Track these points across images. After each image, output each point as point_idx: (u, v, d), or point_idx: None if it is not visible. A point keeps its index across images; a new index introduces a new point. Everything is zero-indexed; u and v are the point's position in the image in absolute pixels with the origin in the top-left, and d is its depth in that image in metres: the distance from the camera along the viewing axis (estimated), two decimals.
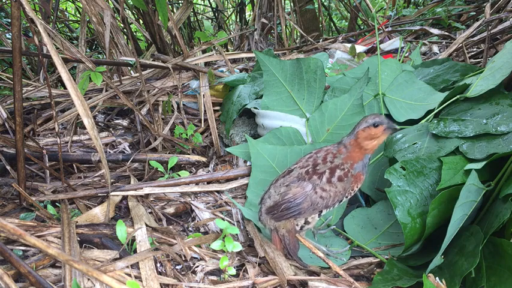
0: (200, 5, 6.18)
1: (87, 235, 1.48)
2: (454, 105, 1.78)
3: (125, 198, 1.82)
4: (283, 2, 4.20)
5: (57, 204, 1.77)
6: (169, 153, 2.34)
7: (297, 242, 1.46)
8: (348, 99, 1.96)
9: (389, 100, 2.05)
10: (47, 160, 2.06)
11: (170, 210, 1.78)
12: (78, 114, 2.37)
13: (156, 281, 1.26)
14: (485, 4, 3.48)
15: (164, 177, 2.03)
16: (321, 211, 1.41)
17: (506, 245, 1.20)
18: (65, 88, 2.24)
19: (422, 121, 1.82)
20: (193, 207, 1.79)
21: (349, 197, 1.44)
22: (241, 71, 3.14)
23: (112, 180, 2.05)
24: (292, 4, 4.91)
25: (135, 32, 5.35)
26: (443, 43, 3.42)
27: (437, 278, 1.19)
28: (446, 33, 3.46)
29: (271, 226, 1.44)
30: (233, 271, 1.38)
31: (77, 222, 1.55)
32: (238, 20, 5.29)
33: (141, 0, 2.69)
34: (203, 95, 2.58)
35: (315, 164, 1.40)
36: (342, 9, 6.41)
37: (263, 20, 4.28)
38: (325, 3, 5.83)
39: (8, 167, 1.97)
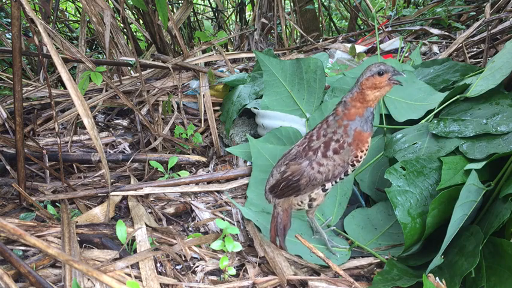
0: (200, 5, 6.18)
1: (87, 235, 1.48)
2: (454, 105, 1.78)
3: (125, 198, 1.82)
4: (283, 2, 4.20)
5: (57, 204, 1.77)
6: (169, 153, 2.34)
7: (288, 222, 1.47)
8: None
9: (389, 100, 2.04)
10: (47, 160, 2.06)
11: (170, 210, 1.78)
12: (78, 114, 2.37)
13: (156, 281, 1.26)
14: (485, 4, 3.48)
15: (164, 177, 2.03)
16: (324, 185, 1.40)
17: (506, 245, 1.20)
18: (65, 88, 2.24)
19: (422, 121, 1.82)
20: (193, 207, 1.79)
21: (357, 165, 1.39)
22: (241, 71, 3.14)
23: (112, 180, 2.05)
24: (292, 4, 4.91)
25: (135, 32, 5.35)
26: (443, 43, 3.42)
27: (437, 278, 1.19)
28: (446, 33, 3.46)
29: (273, 203, 1.48)
30: (233, 271, 1.38)
31: (77, 222, 1.55)
32: (238, 20, 5.29)
33: (141, 0, 2.69)
34: (203, 95, 2.58)
35: (310, 141, 1.41)
36: (342, 9, 6.41)
37: (263, 20, 4.28)
38: (325, 3, 5.83)
39: (8, 167, 1.97)
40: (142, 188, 1.80)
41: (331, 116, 1.40)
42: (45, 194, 1.84)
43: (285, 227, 1.46)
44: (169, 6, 4.57)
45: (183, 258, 1.42)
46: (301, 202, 1.45)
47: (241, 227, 1.69)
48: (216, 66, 3.41)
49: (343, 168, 1.37)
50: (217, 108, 2.62)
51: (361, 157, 1.38)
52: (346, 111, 1.35)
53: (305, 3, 4.89)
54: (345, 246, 1.54)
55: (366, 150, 1.38)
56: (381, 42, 3.53)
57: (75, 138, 2.42)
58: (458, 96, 1.79)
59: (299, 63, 2.10)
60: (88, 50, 4.83)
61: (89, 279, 1.25)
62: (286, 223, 1.46)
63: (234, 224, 1.70)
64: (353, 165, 1.38)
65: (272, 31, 4.48)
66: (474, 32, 3.15)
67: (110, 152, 2.38)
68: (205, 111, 2.54)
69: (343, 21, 6.53)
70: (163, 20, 2.61)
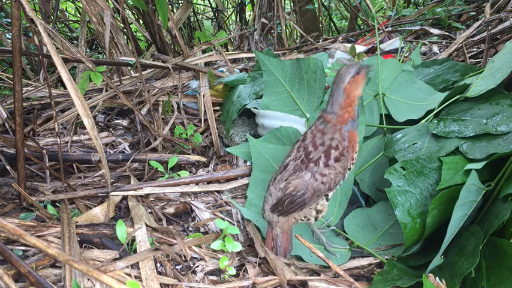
0: (200, 5, 6.18)
1: (87, 235, 1.48)
2: (454, 105, 1.78)
3: (125, 198, 1.82)
4: (283, 2, 4.20)
5: (57, 204, 1.77)
6: (169, 153, 2.34)
7: (289, 245, 1.45)
8: None
9: (389, 100, 2.04)
10: (47, 160, 2.06)
11: (170, 210, 1.78)
12: (78, 114, 2.37)
13: (156, 281, 1.26)
14: (485, 4, 3.48)
15: (164, 177, 2.03)
16: (327, 195, 1.41)
17: (506, 245, 1.20)
18: (65, 88, 2.24)
19: (422, 121, 1.82)
20: (193, 207, 1.79)
21: (352, 168, 1.43)
22: (241, 71, 3.14)
23: (112, 180, 2.05)
24: (292, 4, 4.91)
25: (135, 32, 5.35)
26: (443, 43, 3.42)
27: (437, 278, 1.19)
28: (446, 33, 3.46)
29: (271, 221, 1.44)
30: (233, 271, 1.38)
31: (77, 222, 1.55)
32: (238, 20, 5.29)
33: (141, 0, 2.69)
34: (203, 95, 2.57)
35: (307, 152, 1.39)
36: (342, 9, 6.41)
37: (263, 20, 4.28)
38: (325, 3, 5.83)
39: (8, 167, 1.97)
40: (142, 188, 1.80)
41: (320, 125, 1.40)
42: (45, 194, 1.83)
43: (285, 251, 1.44)
44: (169, 6, 4.57)
45: (183, 258, 1.42)
46: (304, 217, 1.43)
47: (241, 227, 1.69)
48: (216, 66, 3.41)
49: (343, 175, 1.39)
50: (217, 108, 2.62)
51: (355, 158, 1.41)
52: (340, 118, 1.37)
53: (305, 3, 4.89)
54: (344, 247, 1.54)
55: (358, 149, 1.42)
56: (381, 42, 3.53)
57: (75, 138, 2.42)
58: (458, 96, 1.79)
59: (299, 63, 2.10)
60: (88, 50, 4.83)
61: (89, 279, 1.25)
62: (286, 247, 1.44)
63: (234, 224, 1.70)
64: (349, 169, 1.41)
65: (272, 31, 4.48)
66: (474, 32, 3.15)
67: (110, 152, 2.38)
68: (205, 111, 2.54)
69: (343, 21, 6.53)
70: (163, 20, 2.61)
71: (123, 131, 2.63)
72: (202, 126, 2.60)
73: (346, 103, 1.35)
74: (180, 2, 4.96)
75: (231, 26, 6.35)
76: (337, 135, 1.36)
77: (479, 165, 1.37)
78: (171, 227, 1.64)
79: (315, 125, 1.42)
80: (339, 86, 1.35)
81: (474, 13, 3.94)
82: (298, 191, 1.35)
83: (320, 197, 1.39)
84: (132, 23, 3.66)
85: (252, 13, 5.07)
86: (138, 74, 2.88)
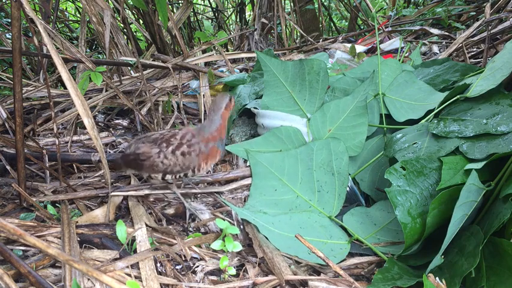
0: (200, 5, 6.19)
1: (87, 235, 1.48)
2: (454, 105, 1.78)
3: (125, 198, 1.81)
4: (283, 2, 4.20)
5: (57, 204, 1.77)
6: None
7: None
8: (351, 101, 1.96)
9: (389, 100, 2.04)
10: (47, 160, 2.05)
11: (170, 211, 1.78)
12: (78, 114, 2.37)
13: (156, 281, 1.26)
14: (485, 4, 3.48)
15: None
16: (164, 174, 1.62)
17: (506, 245, 1.20)
18: (65, 88, 2.24)
19: (422, 121, 1.82)
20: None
21: (197, 172, 1.63)
22: (241, 71, 3.14)
23: (112, 180, 2.05)
24: (292, 4, 4.91)
25: (135, 32, 5.35)
26: (443, 43, 3.42)
27: (437, 278, 1.19)
28: (446, 33, 3.46)
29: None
30: (233, 271, 1.38)
31: (77, 222, 1.55)
32: (238, 20, 5.30)
33: (141, 0, 2.69)
34: (203, 95, 2.57)
35: (172, 136, 1.61)
36: (342, 9, 6.41)
37: (263, 20, 4.28)
38: (325, 3, 5.83)
39: (8, 167, 1.97)
40: (142, 189, 1.80)
41: (195, 130, 1.64)
42: (45, 194, 1.83)
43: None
44: (169, 6, 4.57)
45: (183, 258, 1.42)
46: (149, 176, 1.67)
47: (241, 226, 1.69)
48: (216, 66, 3.42)
49: (183, 169, 1.61)
50: None
51: (203, 168, 1.64)
52: (211, 136, 1.61)
53: (305, 3, 4.90)
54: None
55: (212, 163, 1.66)
56: (381, 42, 3.53)
57: (75, 138, 2.42)
58: (458, 96, 1.79)
59: (302, 64, 2.10)
60: (88, 50, 4.83)
61: (89, 279, 1.25)
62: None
63: (234, 224, 1.70)
64: (193, 170, 1.62)
65: (272, 31, 4.48)
66: (474, 32, 3.16)
67: (110, 152, 2.38)
68: (205, 111, 2.54)
69: (343, 21, 6.53)
70: (163, 20, 2.61)
71: (123, 131, 2.63)
72: None
73: (220, 126, 1.62)
74: (180, 2, 4.96)
75: (231, 26, 6.35)
76: (200, 145, 1.59)
77: (479, 165, 1.37)
78: (171, 227, 1.64)
79: (198, 128, 1.65)
80: (214, 112, 1.62)
81: (474, 13, 3.95)
82: (141, 156, 1.59)
83: (156, 172, 1.61)
84: (132, 23, 3.66)
85: (252, 13, 5.07)
86: (138, 74, 2.88)
